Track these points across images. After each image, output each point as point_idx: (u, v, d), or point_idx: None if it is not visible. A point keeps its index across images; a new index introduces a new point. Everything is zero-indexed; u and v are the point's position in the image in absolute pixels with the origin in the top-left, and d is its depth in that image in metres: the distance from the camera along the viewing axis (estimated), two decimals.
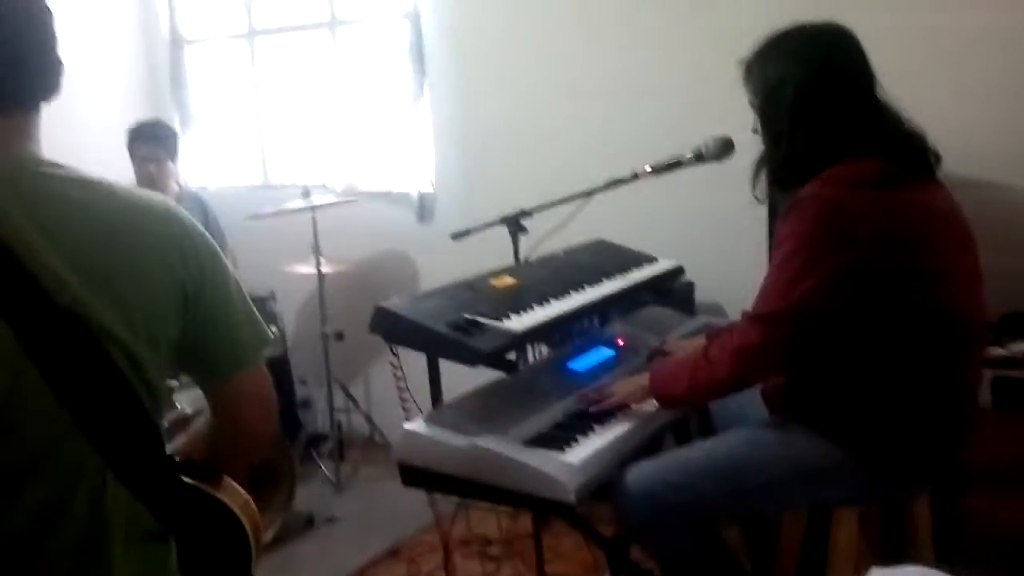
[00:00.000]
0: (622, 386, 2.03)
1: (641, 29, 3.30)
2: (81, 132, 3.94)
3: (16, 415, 1.08)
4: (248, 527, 1.34)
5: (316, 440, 4.03)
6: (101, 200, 1.16)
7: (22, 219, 1.08)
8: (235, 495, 1.35)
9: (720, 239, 3.16)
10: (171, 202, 1.26)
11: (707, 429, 2.11)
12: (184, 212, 1.26)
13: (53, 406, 1.09)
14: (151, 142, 3.67)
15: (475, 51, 3.73)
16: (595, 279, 2.43)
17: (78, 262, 1.10)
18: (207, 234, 1.27)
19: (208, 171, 4.75)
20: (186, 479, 1.30)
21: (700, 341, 2.18)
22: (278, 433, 3.15)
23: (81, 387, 1.10)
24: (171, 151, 3.75)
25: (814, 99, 1.81)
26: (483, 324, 2.01)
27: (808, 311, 1.74)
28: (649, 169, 2.35)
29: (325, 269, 3.72)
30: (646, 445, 1.98)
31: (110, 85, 4.49)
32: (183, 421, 2.75)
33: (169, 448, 1.30)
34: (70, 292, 1.08)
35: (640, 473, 1.89)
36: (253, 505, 1.37)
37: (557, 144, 3.55)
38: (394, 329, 2.06)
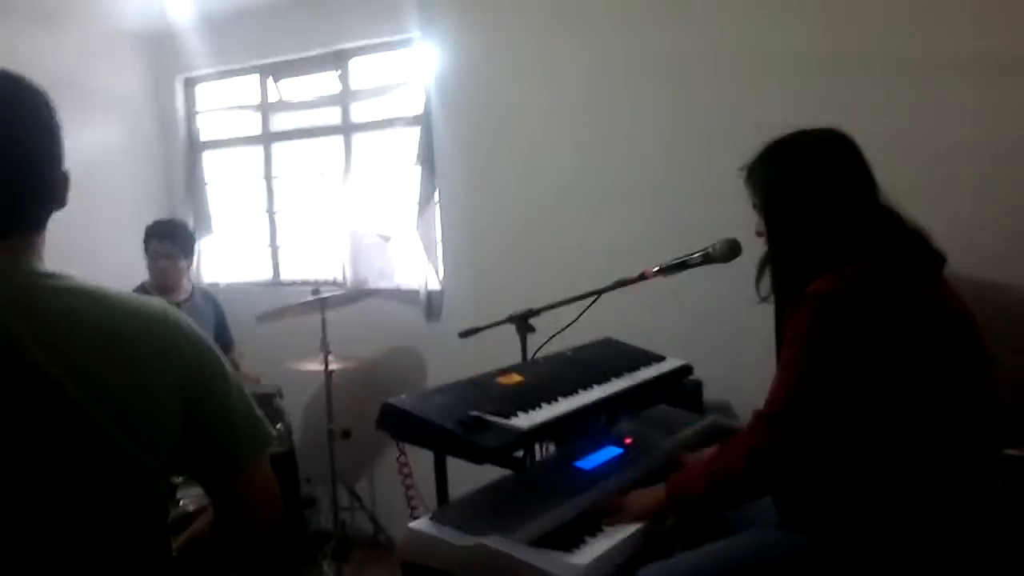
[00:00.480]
0: (636, 498, 2.01)
1: (650, 131, 3.38)
2: (99, 234, 4.04)
3: (21, 528, 1.08)
4: None
5: (320, 539, 3.96)
6: (100, 309, 1.17)
7: (20, 330, 1.09)
8: None
9: (728, 338, 3.17)
10: (169, 306, 1.26)
11: (718, 532, 2.07)
12: (182, 315, 1.27)
13: (60, 516, 1.09)
14: (165, 240, 3.75)
15: (484, 152, 3.82)
16: (603, 377, 2.43)
17: (76, 370, 1.10)
18: (205, 336, 1.28)
19: (221, 269, 4.82)
20: None
21: (714, 450, 2.17)
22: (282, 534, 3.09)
23: (87, 495, 1.10)
24: (185, 249, 3.83)
25: (812, 203, 1.86)
26: (490, 422, 2.01)
27: (813, 410, 1.74)
28: (656, 269, 2.38)
29: (333, 366, 3.73)
30: (655, 547, 1.95)
31: (128, 188, 4.60)
32: (185, 517, 2.71)
33: (174, 543, 1.29)
34: (71, 399, 1.08)
35: (650, 575, 1.86)
36: None
37: (565, 244, 3.59)
38: (401, 426, 2.05)
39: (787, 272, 1.92)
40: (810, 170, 1.88)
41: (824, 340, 1.75)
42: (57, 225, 1.24)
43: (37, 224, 1.20)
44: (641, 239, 3.32)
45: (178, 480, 2.91)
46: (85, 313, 1.15)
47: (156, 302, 1.26)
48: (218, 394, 1.26)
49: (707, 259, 2.30)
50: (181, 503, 2.84)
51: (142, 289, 3.68)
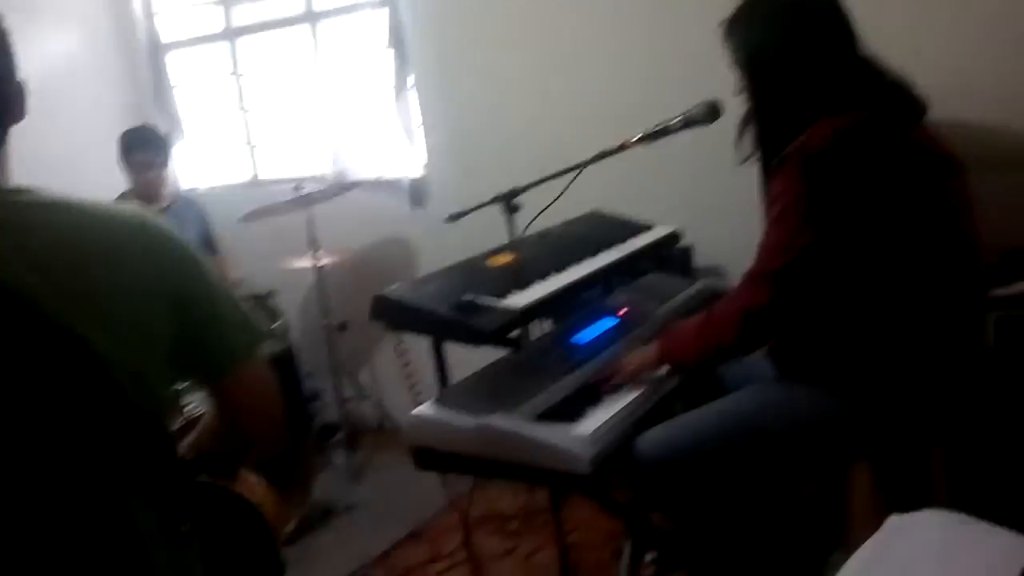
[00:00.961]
0: (631, 357, 2.04)
1: None
2: (67, 145, 3.95)
3: (27, 439, 1.09)
4: (269, 517, 1.36)
5: (327, 431, 4.05)
6: (75, 221, 1.15)
7: (3, 250, 1.07)
8: (253, 488, 1.37)
9: (714, 202, 3.16)
10: (144, 212, 1.25)
11: (717, 391, 2.12)
12: (158, 220, 1.25)
13: (62, 427, 1.10)
14: (148, 150, 3.70)
15: (456, 33, 3.72)
16: (593, 250, 2.44)
17: (65, 287, 1.09)
18: (183, 239, 1.27)
19: (198, 174, 4.75)
20: (203, 478, 1.32)
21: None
22: (287, 428, 3.15)
23: (85, 407, 1.11)
24: (165, 157, 3.78)
25: (793, 57, 1.83)
26: (485, 304, 2.02)
27: (807, 265, 1.75)
28: (636, 139, 2.35)
29: (323, 262, 3.73)
30: (656, 412, 2.00)
31: (93, 96, 4.48)
32: (195, 421, 2.76)
33: (182, 446, 1.31)
34: (63, 315, 1.08)
35: (652, 439, 1.91)
36: (272, 494, 1.38)
37: (546, 120, 3.54)
38: (396, 316, 2.07)
39: (768, 129, 1.91)
40: (788, 24, 1.84)
41: (811, 195, 1.75)
42: (23, 140, 1.21)
43: None
44: (624, 109, 3.27)
45: (182, 385, 2.96)
46: (61, 226, 1.13)
47: (131, 209, 1.24)
48: (204, 294, 1.26)
49: (687, 123, 2.26)
50: (188, 407, 2.90)
51: (123, 199, 3.64)
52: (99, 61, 4.58)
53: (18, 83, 1.17)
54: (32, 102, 1.21)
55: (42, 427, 1.09)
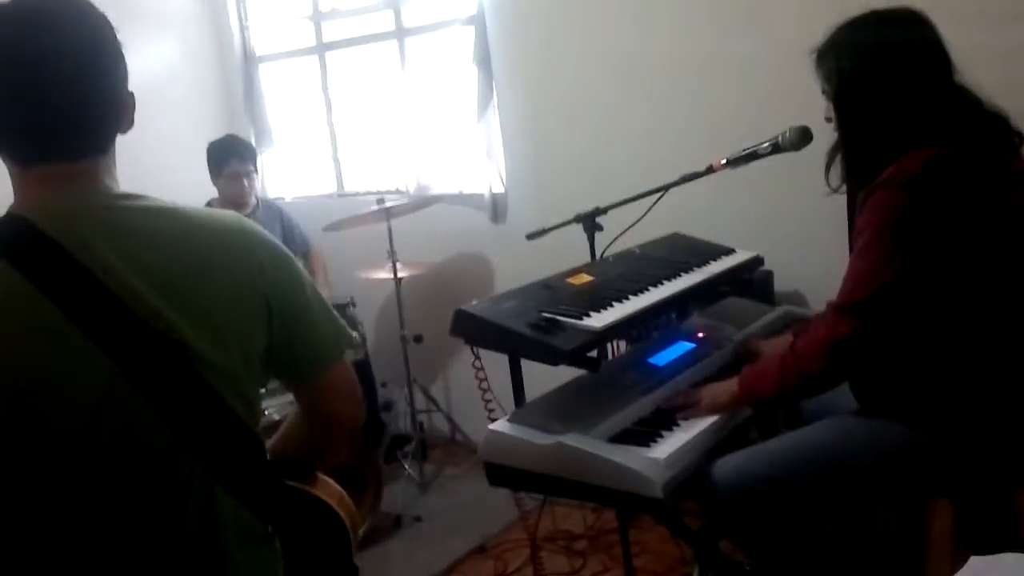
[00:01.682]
0: (710, 391, 2.02)
1: (714, 18, 3.27)
2: (160, 152, 4.08)
3: (119, 435, 1.13)
4: (346, 520, 1.38)
5: (399, 441, 4.09)
6: (177, 227, 1.20)
7: (106, 252, 1.12)
8: (331, 491, 1.40)
9: (798, 227, 3.11)
10: (243, 217, 1.29)
11: (794, 421, 2.09)
12: (256, 225, 1.30)
13: (155, 426, 1.14)
14: (242, 159, 3.80)
15: (541, 51, 3.74)
16: (673, 273, 2.42)
17: (164, 289, 1.14)
18: (280, 243, 1.31)
19: (284, 184, 4.87)
20: (284, 480, 1.35)
21: (789, 338, 2.17)
22: (362, 436, 3.21)
23: (180, 406, 1.15)
24: (255, 166, 3.89)
25: (884, 87, 1.79)
26: (563, 323, 2.03)
27: (892, 297, 1.72)
28: (725, 162, 2.34)
29: (402, 273, 3.78)
30: (731, 439, 1.98)
31: (188, 105, 4.62)
32: (272, 427, 2.82)
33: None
34: (162, 318, 1.12)
35: (727, 466, 1.89)
36: (348, 499, 1.41)
37: (629, 139, 3.53)
38: (475, 332, 2.09)
39: (858, 159, 1.88)
40: (882, 52, 1.81)
41: (899, 227, 1.72)
42: (120, 146, 1.26)
43: (106, 147, 1.22)
44: (708, 131, 3.25)
45: (262, 390, 3.03)
46: (165, 231, 1.18)
47: (231, 215, 1.28)
48: (298, 299, 1.29)
49: (776, 148, 2.24)
50: (266, 412, 2.97)
51: (210, 207, 3.74)
52: (195, 71, 4.74)
53: (129, 93, 1.22)
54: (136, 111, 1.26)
55: (137, 425, 1.13)
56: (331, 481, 1.42)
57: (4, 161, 1.18)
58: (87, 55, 1.16)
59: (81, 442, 1.12)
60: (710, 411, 1.99)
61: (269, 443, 1.41)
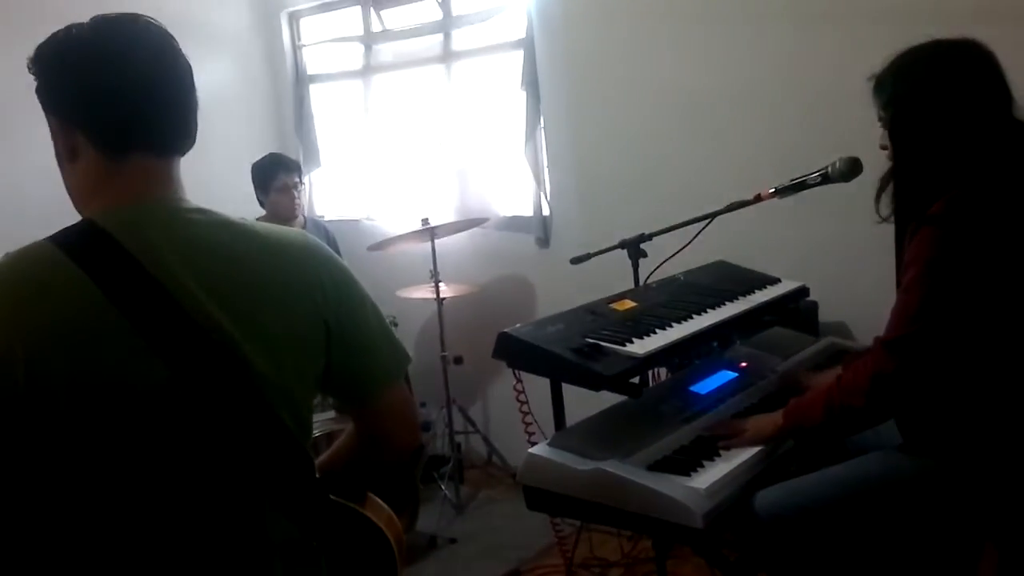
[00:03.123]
0: (754, 422, 2.01)
1: (763, 46, 3.26)
2: (215, 170, 4.13)
3: (171, 445, 1.14)
4: (393, 542, 1.39)
5: (436, 462, 4.10)
6: (243, 241, 1.22)
7: (175, 263, 1.14)
8: (379, 511, 1.40)
9: (844, 258, 3.09)
10: (307, 236, 1.31)
11: (837, 455, 2.06)
12: (320, 243, 1.31)
13: (208, 438, 1.15)
14: (291, 170, 3.86)
15: (589, 75, 3.76)
16: (717, 301, 2.41)
17: (230, 303, 1.16)
18: (343, 263, 1.32)
19: (330, 203, 4.93)
20: (333, 497, 1.36)
21: (836, 372, 2.15)
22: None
23: (235, 419, 1.16)
24: (302, 179, 3.95)
25: (941, 118, 1.77)
26: (606, 348, 2.03)
27: (938, 336, 1.70)
28: (772, 191, 2.33)
29: (444, 294, 3.80)
30: (773, 470, 1.96)
31: (239, 124, 4.68)
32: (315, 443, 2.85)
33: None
34: (222, 330, 1.14)
35: (769, 498, 1.87)
36: (396, 520, 1.41)
37: (676, 167, 3.53)
38: (518, 355, 2.09)
39: (909, 189, 1.85)
40: (942, 82, 1.78)
41: (947, 264, 1.69)
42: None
43: (185, 149, 1.25)
44: (755, 159, 3.24)
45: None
46: (230, 245, 1.20)
47: (295, 232, 1.30)
48: (358, 318, 1.30)
49: (826, 179, 2.22)
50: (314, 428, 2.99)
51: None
52: (248, 91, 4.83)
53: (196, 112, 1.25)
54: None
55: (189, 437, 1.15)
56: (381, 502, 1.42)
57: (91, 154, 1.20)
58: (167, 57, 1.21)
59: (133, 449, 1.13)
60: (753, 442, 1.96)
61: (320, 459, 1.42)
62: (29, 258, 1.14)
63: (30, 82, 1.21)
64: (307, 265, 1.26)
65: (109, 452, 1.13)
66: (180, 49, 1.23)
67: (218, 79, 4.57)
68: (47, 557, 1.16)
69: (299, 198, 3.89)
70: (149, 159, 1.20)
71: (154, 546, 1.16)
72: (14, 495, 1.15)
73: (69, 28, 1.19)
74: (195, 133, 1.26)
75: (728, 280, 2.64)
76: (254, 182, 3.88)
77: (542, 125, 3.92)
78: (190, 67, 1.24)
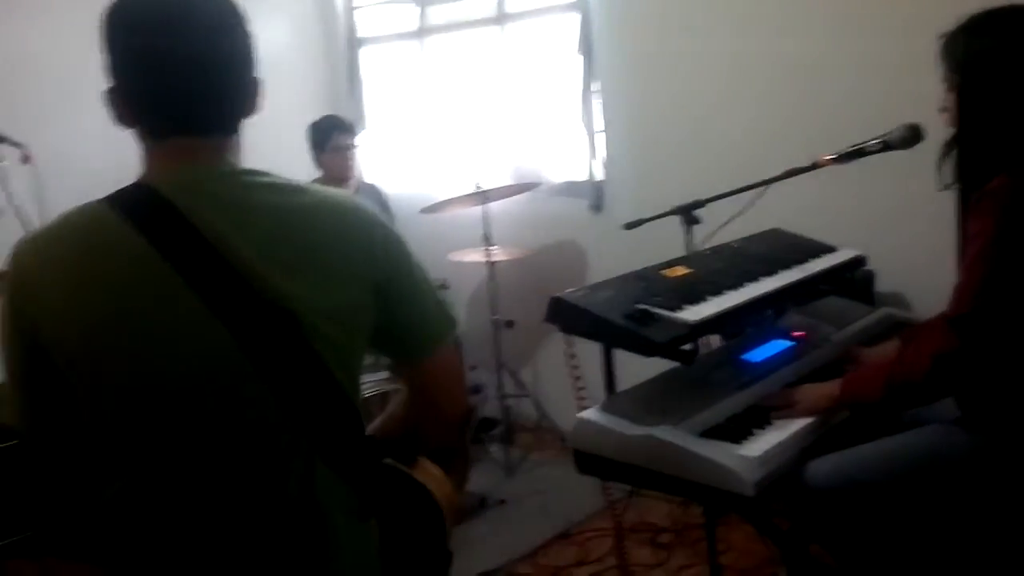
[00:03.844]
0: (808, 392, 1.99)
1: (821, 9, 3.19)
2: (271, 133, 4.16)
3: (225, 400, 1.17)
4: (444, 506, 1.41)
5: (487, 424, 4.14)
6: (298, 203, 1.23)
7: (226, 226, 1.17)
8: (431, 475, 1.43)
9: (903, 228, 3.02)
10: (357, 198, 1.33)
11: (893, 425, 2.04)
12: (369, 206, 1.32)
13: (263, 394, 1.18)
14: (347, 130, 3.90)
15: (644, 39, 3.70)
16: (771, 269, 2.38)
17: (280, 262, 1.18)
18: (390, 224, 1.33)
19: (382, 166, 4.95)
20: (386, 460, 1.38)
21: (893, 345, 2.12)
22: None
23: (289, 376, 1.19)
24: (356, 141, 3.99)
25: (1013, 82, 1.72)
26: (658, 315, 2.02)
27: (1002, 313, 1.66)
28: (831, 157, 2.29)
29: (495, 258, 3.81)
30: (826, 440, 1.94)
31: (295, 87, 4.70)
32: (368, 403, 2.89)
33: (369, 428, 1.38)
34: (272, 289, 1.16)
35: (822, 468, 1.86)
36: (448, 485, 1.44)
37: (730, 131, 3.48)
38: (570, 320, 2.09)
39: (973, 158, 1.81)
40: (1015, 44, 1.72)
41: (1011, 240, 1.65)
42: None
43: (234, 128, 1.26)
44: (811, 125, 3.18)
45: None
46: (285, 208, 1.22)
47: (345, 194, 1.32)
48: (407, 280, 1.32)
49: (886, 146, 2.18)
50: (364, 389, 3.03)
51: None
52: (301, 53, 4.83)
53: (254, 81, 1.26)
54: None
55: (243, 392, 1.18)
56: (432, 466, 1.44)
57: (138, 134, 1.23)
58: (217, 36, 1.20)
59: (188, 405, 1.17)
60: (807, 413, 1.95)
61: (373, 425, 1.45)
62: (85, 216, 1.18)
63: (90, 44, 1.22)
64: (356, 226, 1.27)
65: (162, 404, 1.17)
66: (240, 21, 1.23)
67: (271, 42, 4.59)
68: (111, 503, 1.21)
69: (353, 160, 3.93)
70: (197, 140, 1.21)
71: (209, 498, 1.20)
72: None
73: None
74: (251, 108, 1.27)
75: (783, 248, 2.60)
76: (310, 141, 3.93)
77: (597, 89, 3.88)
78: (248, 42, 1.24)
